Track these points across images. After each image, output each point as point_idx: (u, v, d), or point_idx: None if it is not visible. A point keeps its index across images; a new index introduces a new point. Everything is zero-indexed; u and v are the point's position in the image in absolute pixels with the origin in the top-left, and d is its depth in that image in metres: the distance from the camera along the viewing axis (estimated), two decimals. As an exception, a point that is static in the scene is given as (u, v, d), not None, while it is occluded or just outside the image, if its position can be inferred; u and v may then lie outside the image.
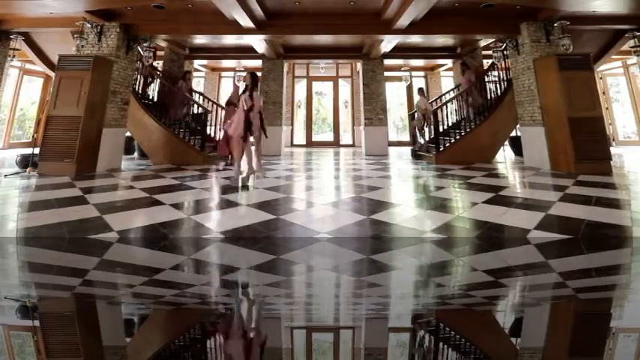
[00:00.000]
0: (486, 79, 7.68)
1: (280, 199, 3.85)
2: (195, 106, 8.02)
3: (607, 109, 9.96)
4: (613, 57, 8.66)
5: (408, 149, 9.29)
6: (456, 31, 6.87)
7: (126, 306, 1.77)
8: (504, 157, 7.94)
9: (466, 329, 1.46)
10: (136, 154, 8.45)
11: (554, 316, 1.59)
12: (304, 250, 2.49)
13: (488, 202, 3.57)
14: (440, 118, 7.47)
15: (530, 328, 1.47)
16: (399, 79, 11.44)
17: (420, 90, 8.74)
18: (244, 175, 4.76)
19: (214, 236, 2.65)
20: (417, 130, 8.38)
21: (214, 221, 3.09)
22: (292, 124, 12.19)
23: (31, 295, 1.86)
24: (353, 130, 12.08)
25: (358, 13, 6.61)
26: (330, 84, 12.46)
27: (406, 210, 3.36)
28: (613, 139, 9.96)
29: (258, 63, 9.62)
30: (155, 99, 7.75)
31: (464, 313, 1.62)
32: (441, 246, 2.56)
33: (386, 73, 9.74)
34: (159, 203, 3.54)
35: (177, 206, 3.45)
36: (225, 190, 4.35)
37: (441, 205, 3.53)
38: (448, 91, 9.54)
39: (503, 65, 7.35)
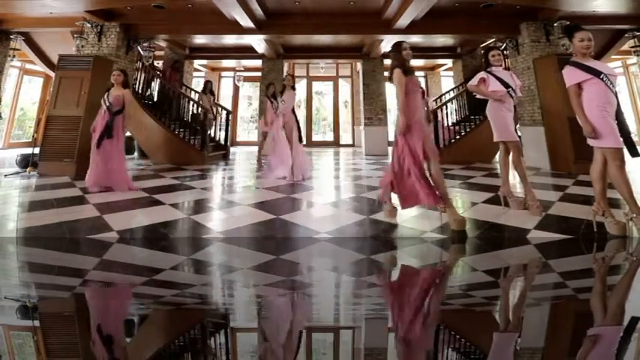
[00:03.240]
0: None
1: (280, 198, 3.85)
2: (195, 106, 8.02)
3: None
4: (613, 57, 8.66)
5: (408, 149, 9.28)
6: (456, 31, 6.87)
7: (126, 306, 1.77)
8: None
9: (466, 329, 1.46)
10: (135, 154, 8.46)
11: (554, 316, 1.59)
12: (304, 250, 2.49)
13: (487, 201, 3.57)
14: (440, 118, 7.46)
15: (530, 328, 1.47)
16: (399, 79, 11.43)
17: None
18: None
19: (214, 236, 2.65)
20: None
21: (214, 221, 3.09)
22: (292, 124, 12.17)
23: (31, 295, 1.86)
24: (353, 130, 12.08)
25: (358, 13, 6.61)
26: (330, 84, 12.46)
27: (406, 210, 3.36)
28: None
29: (258, 63, 9.62)
30: (155, 99, 7.75)
31: (464, 313, 1.62)
32: (441, 246, 2.56)
33: (386, 73, 9.70)
34: (159, 203, 3.54)
35: (177, 206, 3.45)
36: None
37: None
38: (448, 91, 9.54)
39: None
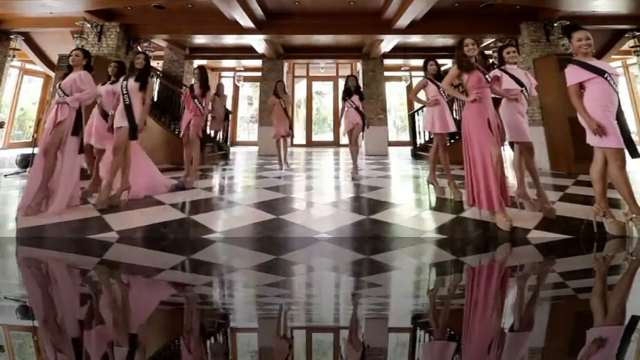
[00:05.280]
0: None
1: (280, 198, 3.85)
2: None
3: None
4: (613, 57, 8.66)
5: (408, 149, 9.29)
6: (456, 31, 6.87)
7: (125, 306, 1.77)
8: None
9: (465, 329, 1.46)
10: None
11: (554, 316, 1.59)
12: (304, 250, 2.49)
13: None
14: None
15: (531, 328, 1.47)
16: (399, 79, 11.44)
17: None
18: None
19: (214, 236, 2.65)
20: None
21: (214, 221, 3.08)
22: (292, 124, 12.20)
23: (30, 295, 1.86)
24: (353, 130, 12.06)
25: (358, 13, 6.62)
26: (330, 84, 12.46)
27: (406, 210, 3.36)
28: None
29: (258, 63, 9.63)
30: (155, 99, 7.75)
31: (463, 313, 1.61)
32: (441, 246, 2.56)
33: (386, 73, 9.74)
34: (159, 203, 3.54)
35: (177, 206, 3.45)
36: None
37: (441, 205, 3.53)
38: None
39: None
